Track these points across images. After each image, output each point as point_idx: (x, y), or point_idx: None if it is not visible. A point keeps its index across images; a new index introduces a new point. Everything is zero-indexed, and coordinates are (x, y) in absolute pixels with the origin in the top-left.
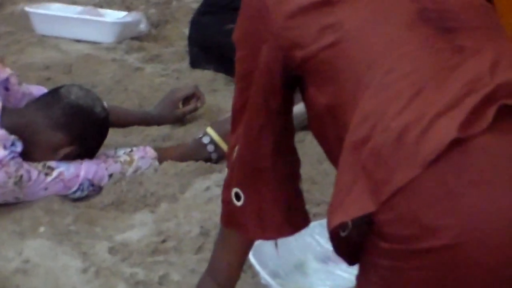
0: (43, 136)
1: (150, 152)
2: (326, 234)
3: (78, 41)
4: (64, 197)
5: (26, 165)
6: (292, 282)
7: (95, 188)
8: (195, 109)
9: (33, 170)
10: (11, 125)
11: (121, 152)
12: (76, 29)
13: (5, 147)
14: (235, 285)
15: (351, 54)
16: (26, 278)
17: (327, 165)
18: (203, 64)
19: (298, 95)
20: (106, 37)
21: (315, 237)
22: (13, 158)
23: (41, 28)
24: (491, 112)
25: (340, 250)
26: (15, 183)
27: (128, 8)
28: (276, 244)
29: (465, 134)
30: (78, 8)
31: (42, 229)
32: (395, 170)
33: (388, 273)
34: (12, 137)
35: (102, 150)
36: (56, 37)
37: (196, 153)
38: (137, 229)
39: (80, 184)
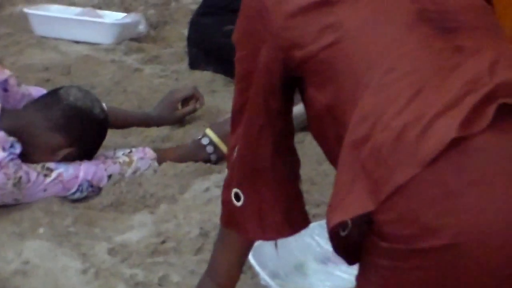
0: (42, 138)
1: (149, 153)
2: (325, 235)
3: (77, 42)
4: (64, 198)
5: (25, 166)
6: (292, 283)
7: (94, 189)
8: (194, 110)
9: (32, 171)
10: (10, 127)
11: (120, 153)
12: (75, 30)
13: (4, 149)
14: (235, 286)
15: (350, 54)
16: (25, 279)
17: (327, 166)
18: (202, 65)
19: (298, 95)
20: (105, 38)
21: (315, 238)
22: (12, 159)
23: (40, 29)
24: (490, 111)
25: (340, 249)
26: (14, 185)
27: (127, 9)
28: (276, 245)
29: (465, 133)
30: (77, 9)
31: (41, 230)
32: (394, 169)
33: (388, 273)
34: (11, 138)
35: (101, 151)
36: (55, 39)
37: (196, 154)
38: (137, 230)
39: (79, 185)
